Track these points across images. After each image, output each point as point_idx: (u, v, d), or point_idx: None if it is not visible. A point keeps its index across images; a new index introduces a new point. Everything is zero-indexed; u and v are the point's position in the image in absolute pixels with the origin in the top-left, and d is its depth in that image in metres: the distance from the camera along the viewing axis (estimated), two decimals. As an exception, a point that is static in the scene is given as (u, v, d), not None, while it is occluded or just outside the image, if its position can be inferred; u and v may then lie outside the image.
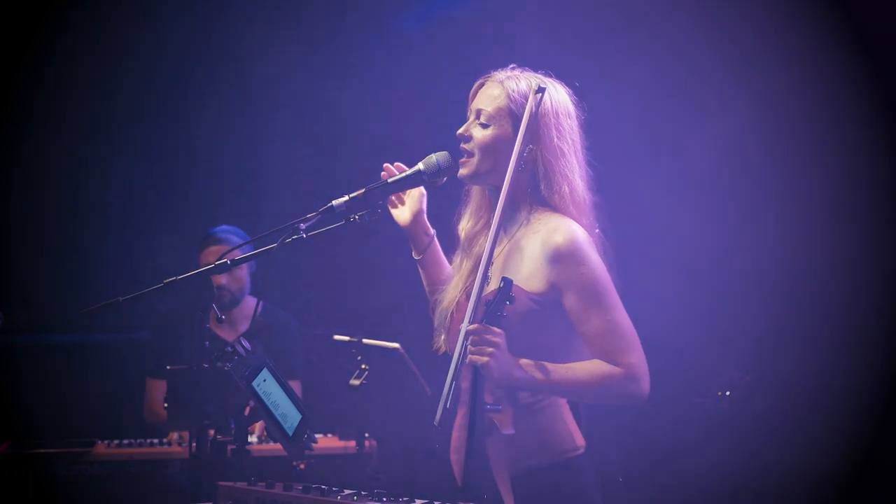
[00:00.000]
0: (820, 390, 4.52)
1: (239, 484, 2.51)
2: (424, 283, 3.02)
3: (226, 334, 4.80)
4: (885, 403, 4.43)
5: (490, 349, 2.46)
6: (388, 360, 4.27)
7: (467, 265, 2.83)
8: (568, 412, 2.75)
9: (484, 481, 2.48)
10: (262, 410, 2.58)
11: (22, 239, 5.58)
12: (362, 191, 2.71)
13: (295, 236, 2.67)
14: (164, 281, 2.67)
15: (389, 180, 2.76)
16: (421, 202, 2.96)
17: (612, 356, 2.58)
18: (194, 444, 2.63)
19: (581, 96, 2.78)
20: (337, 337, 4.47)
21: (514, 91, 2.70)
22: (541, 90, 2.64)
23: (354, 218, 2.71)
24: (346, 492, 2.49)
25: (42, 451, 4.44)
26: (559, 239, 2.62)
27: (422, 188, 2.95)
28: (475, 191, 2.87)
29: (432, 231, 3.00)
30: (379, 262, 5.50)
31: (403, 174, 2.74)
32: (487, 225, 2.85)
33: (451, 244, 2.98)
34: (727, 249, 4.73)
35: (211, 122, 5.76)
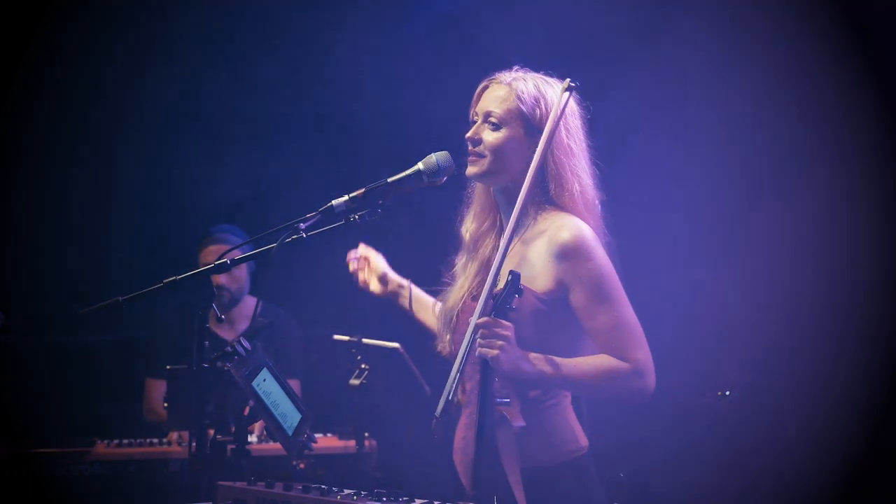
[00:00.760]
0: (820, 390, 4.52)
1: (239, 484, 2.51)
2: (424, 324, 3.14)
3: (225, 334, 4.80)
4: (886, 403, 4.43)
5: (500, 342, 2.48)
6: (388, 359, 4.28)
7: (473, 267, 2.84)
8: (572, 412, 2.76)
9: (494, 477, 2.49)
10: (262, 410, 2.58)
11: (22, 239, 5.58)
12: (362, 190, 2.71)
13: (295, 236, 2.67)
14: (164, 281, 2.67)
15: (389, 180, 2.76)
16: (380, 263, 3.17)
17: (620, 352, 2.59)
18: (194, 444, 2.63)
19: (584, 96, 2.78)
20: (337, 337, 4.47)
21: (523, 92, 2.71)
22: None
23: (354, 218, 2.71)
24: (346, 492, 2.49)
25: (42, 450, 4.44)
26: (565, 235, 2.63)
27: (375, 256, 3.19)
28: (479, 192, 2.87)
29: (405, 281, 3.13)
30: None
31: (403, 174, 2.74)
32: (493, 226, 2.86)
33: (440, 244, 2.99)
34: (727, 249, 4.73)
35: (211, 121, 5.76)
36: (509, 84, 2.73)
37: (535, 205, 2.75)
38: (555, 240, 2.64)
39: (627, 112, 4.79)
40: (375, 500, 2.45)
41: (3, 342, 5.17)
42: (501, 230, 2.83)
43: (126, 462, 4.47)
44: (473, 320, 2.53)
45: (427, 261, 3.09)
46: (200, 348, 2.61)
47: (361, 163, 5.57)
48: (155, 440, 4.60)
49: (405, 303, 3.10)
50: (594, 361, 2.61)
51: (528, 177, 2.62)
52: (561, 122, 2.70)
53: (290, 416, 2.66)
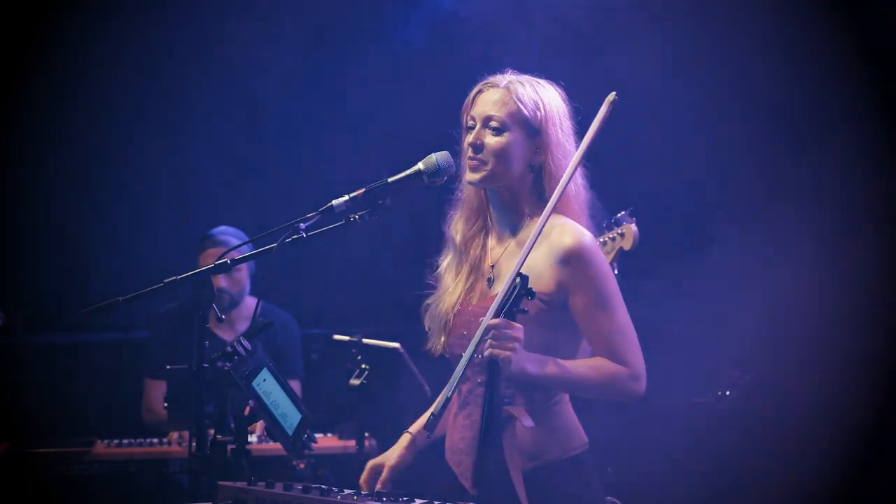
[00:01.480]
0: (820, 390, 4.52)
1: (239, 484, 2.51)
2: None
3: (225, 335, 4.80)
4: (886, 403, 4.43)
5: (511, 343, 2.49)
6: (388, 359, 4.28)
7: (464, 269, 2.84)
8: (571, 408, 2.78)
9: (498, 477, 2.50)
10: (262, 410, 2.58)
11: (22, 239, 5.58)
12: (362, 190, 2.71)
13: (295, 236, 2.67)
14: (164, 281, 2.67)
15: (389, 180, 2.76)
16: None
17: (618, 356, 2.64)
18: (194, 444, 2.62)
19: (571, 97, 2.79)
20: (337, 337, 4.48)
21: (523, 95, 2.71)
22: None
23: (354, 218, 2.71)
24: (346, 492, 2.49)
25: (42, 450, 4.44)
26: (568, 241, 2.65)
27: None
28: (469, 194, 2.86)
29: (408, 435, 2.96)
30: (379, 262, 5.51)
31: (403, 174, 2.74)
32: (483, 228, 2.86)
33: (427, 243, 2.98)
34: (726, 248, 4.73)
35: (211, 123, 5.77)
36: (506, 87, 2.73)
37: (530, 205, 2.76)
38: (557, 244, 2.66)
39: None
40: (375, 500, 2.45)
41: (3, 342, 5.18)
42: (489, 232, 2.85)
43: (126, 462, 4.47)
44: (485, 322, 2.53)
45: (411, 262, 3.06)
46: (200, 348, 2.61)
47: (361, 163, 5.58)
48: (155, 440, 4.60)
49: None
50: (594, 364, 2.65)
51: (559, 186, 2.59)
52: (558, 124, 2.71)
53: (290, 416, 2.66)
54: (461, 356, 2.65)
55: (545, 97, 2.73)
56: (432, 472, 2.89)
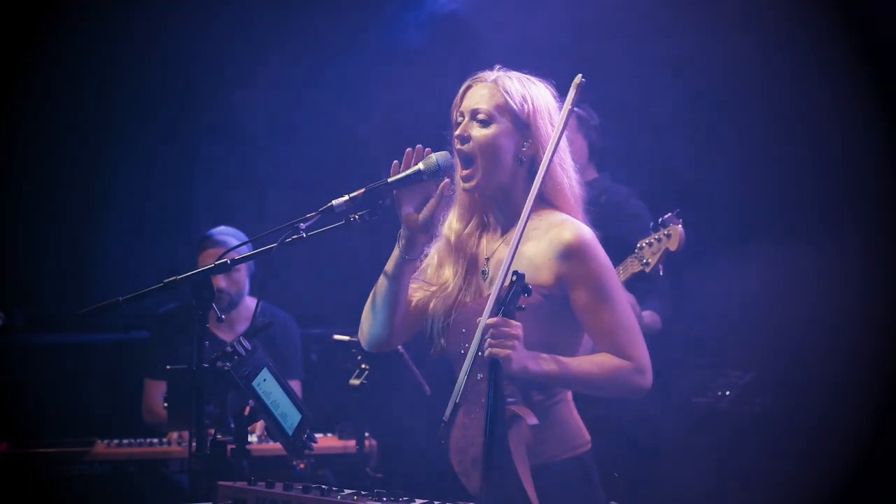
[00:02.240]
0: (820, 390, 4.52)
1: (239, 484, 2.51)
2: (403, 282, 2.81)
3: (225, 335, 4.80)
4: (886, 403, 4.43)
5: (510, 342, 2.49)
6: (387, 360, 4.28)
7: (461, 267, 2.83)
8: (574, 407, 2.78)
9: (505, 475, 2.50)
10: (262, 410, 2.58)
11: (22, 238, 5.58)
12: (362, 190, 2.71)
13: (295, 236, 2.67)
14: (164, 281, 2.67)
15: (389, 179, 2.76)
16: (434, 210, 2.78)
17: (621, 350, 2.64)
18: (194, 444, 2.62)
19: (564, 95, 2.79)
20: (337, 337, 4.48)
21: (510, 88, 2.72)
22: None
23: (354, 218, 2.71)
24: (346, 492, 2.49)
25: (42, 450, 4.45)
26: (568, 236, 2.66)
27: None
28: (462, 191, 2.85)
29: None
30: (379, 262, 5.50)
31: (403, 173, 2.74)
32: (479, 225, 2.85)
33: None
34: (727, 249, 4.73)
35: (212, 123, 5.77)
36: (494, 81, 2.74)
37: (523, 201, 2.74)
38: (557, 239, 2.66)
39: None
40: (375, 500, 2.45)
41: (3, 342, 5.18)
42: (485, 229, 2.85)
43: (126, 462, 4.47)
44: (483, 321, 2.53)
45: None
46: (200, 348, 2.61)
47: (361, 163, 5.58)
48: (155, 440, 4.60)
49: (418, 252, 2.79)
50: (596, 360, 2.64)
51: (538, 177, 2.61)
52: (547, 120, 2.71)
53: (290, 416, 2.66)
54: (460, 353, 2.65)
55: (533, 92, 2.74)
56: (433, 473, 2.89)
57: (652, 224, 3.90)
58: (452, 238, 2.86)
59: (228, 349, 2.53)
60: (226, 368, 2.51)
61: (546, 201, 2.74)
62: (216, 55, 5.69)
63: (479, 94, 2.74)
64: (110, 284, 4.84)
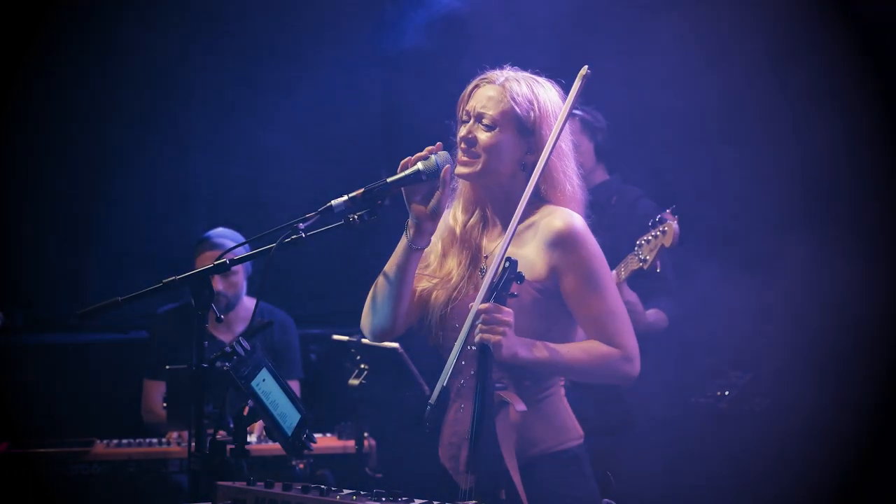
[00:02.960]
0: (820, 390, 4.52)
1: (238, 484, 2.51)
2: (409, 272, 2.80)
3: (223, 336, 4.80)
4: (886, 403, 4.43)
5: (501, 328, 2.50)
6: (387, 359, 4.28)
7: (464, 258, 2.83)
8: (566, 402, 2.78)
9: (492, 463, 2.51)
10: (262, 410, 2.58)
11: (22, 238, 5.58)
12: (361, 191, 2.71)
13: (294, 236, 2.66)
14: (164, 281, 2.67)
15: (388, 179, 2.76)
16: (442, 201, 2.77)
17: (610, 338, 2.66)
18: (193, 444, 2.62)
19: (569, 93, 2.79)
20: (337, 337, 4.48)
21: (517, 94, 2.72)
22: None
23: (354, 218, 2.70)
24: (346, 492, 2.49)
25: (41, 450, 4.45)
26: (558, 224, 2.68)
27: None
28: (465, 185, 2.86)
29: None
30: (379, 262, 5.50)
31: (402, 174, 2.74)
32: (481, 217, 2.86)
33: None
34: (726, 247, 4.73)
35: (211, 123, 5.77)
36: (502, 84, 2.73)
37: (526, 202, 2.75)
38: (547, 228, 2.68)
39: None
40: (375, 500, 2.45)
41: (3, 342, 5.18)
42: (487, 224, 2.85)
43: (125, 462, 4.47)
44: (475, 306, 2.54)
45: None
46: (200, 348, 2.61)
47: (361, 163, 5.58)
48: (154, 440, 4.60)
49: (426, 241, 2.77)
50: (585, 347, 2.68)
51: (533, 176, 2.62)
52: (552, 122, 2.71)
53: (289, 416, 2.66)
54: (455, 344, 2.65)
55: (541, 96, 2.74)
56: (427, 472, 2.89)
57: (650, 222, 3.90)
58: (457, 229, 2.87)
59: (227, 349, 2.53)
60: (225, 368, 2.51)
61: (546, 201, 2.76)
62: (216, 55, 5.69)
63: (487, 95, 2.74)
64: (110, 284, 4.83)
